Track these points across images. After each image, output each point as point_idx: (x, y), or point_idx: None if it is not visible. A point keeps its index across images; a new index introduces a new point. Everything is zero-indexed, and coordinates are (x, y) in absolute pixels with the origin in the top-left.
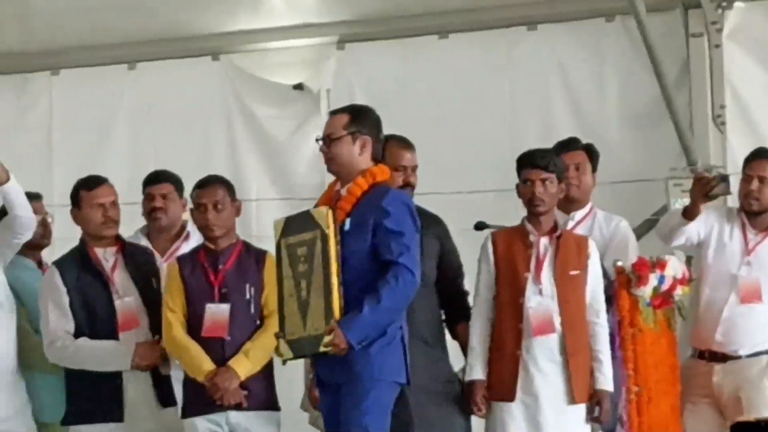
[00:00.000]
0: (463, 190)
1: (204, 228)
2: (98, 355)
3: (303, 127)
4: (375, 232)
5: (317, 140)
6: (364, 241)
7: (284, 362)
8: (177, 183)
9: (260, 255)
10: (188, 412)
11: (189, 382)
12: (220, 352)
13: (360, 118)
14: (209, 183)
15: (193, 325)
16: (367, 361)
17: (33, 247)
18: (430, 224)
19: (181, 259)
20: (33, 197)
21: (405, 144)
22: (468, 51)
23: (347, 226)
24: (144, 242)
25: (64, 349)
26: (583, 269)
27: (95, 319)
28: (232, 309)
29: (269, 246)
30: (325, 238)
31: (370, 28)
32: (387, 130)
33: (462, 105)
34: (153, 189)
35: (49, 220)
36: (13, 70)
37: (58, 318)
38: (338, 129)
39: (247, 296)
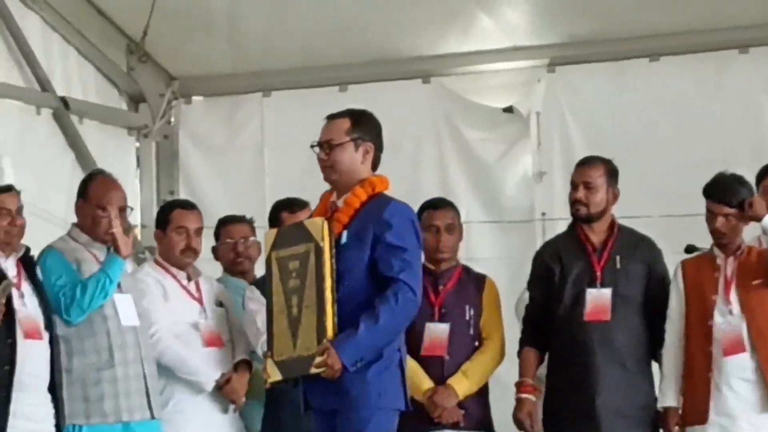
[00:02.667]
0: (675, 214)
1: (434, 250)
2: None
3: (512, 150)
4: (374, 246)
5: (312, 146)
6: (363, 256)
7: (270, 385)
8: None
9: (480, 278)
10: (404, 429)
11: None
12: (440, 370)
13: (362, 123)
14: (442, 206)
15: (413, 343)
16: (364, 387)
17: (243, 271)
18: (639, 247)
19: None
20: (242, 220)
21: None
22: (679, 74)
23: (344, 239)
24: None
25: None
26: (765, 278)
27: None
28: (452, 329)
29: (479, 267)
30: (319, 252)
31: (580, 51)
32: (598, 152)
33: (673, 127)
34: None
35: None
36: (226, 91)
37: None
38: (340, 134)
39: (467, 317)
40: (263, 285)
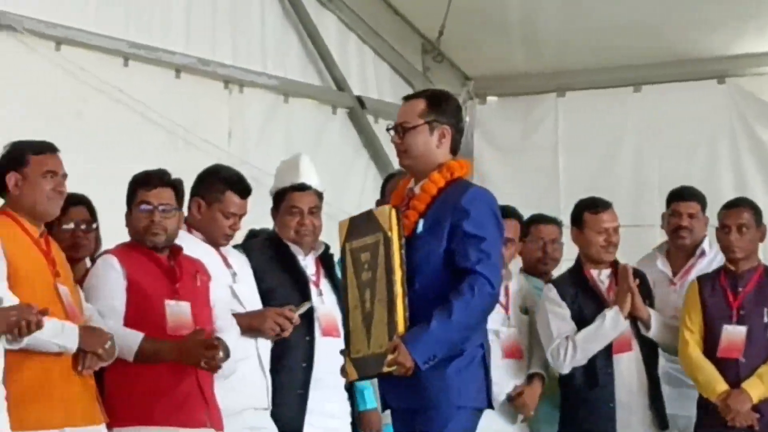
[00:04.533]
0: None
1: (726, 250)
2: None
3: None
4: (451, 236)
5: (388, 129)
6: (439, 246)
7: (349, 384)
8: (703, 201)
9: None
10: (698, 430)
11: (702, 401)
12: (735, 373)
13: (439, 105)
14: (736, 205)
15: (709, 345)
16: (444, 385)
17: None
18: None
19: (701, 279)
20: (552, 221)
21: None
22: None
23: (420, 229)
24: (660, 260)
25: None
26: None
27: None
28: (749, 331)
29: None
30: (387, 242)
31: None
32: None
33: None
34: (680, 206)
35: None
36: (520, 91)
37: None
38: (413, 117)
39: (765, 319)
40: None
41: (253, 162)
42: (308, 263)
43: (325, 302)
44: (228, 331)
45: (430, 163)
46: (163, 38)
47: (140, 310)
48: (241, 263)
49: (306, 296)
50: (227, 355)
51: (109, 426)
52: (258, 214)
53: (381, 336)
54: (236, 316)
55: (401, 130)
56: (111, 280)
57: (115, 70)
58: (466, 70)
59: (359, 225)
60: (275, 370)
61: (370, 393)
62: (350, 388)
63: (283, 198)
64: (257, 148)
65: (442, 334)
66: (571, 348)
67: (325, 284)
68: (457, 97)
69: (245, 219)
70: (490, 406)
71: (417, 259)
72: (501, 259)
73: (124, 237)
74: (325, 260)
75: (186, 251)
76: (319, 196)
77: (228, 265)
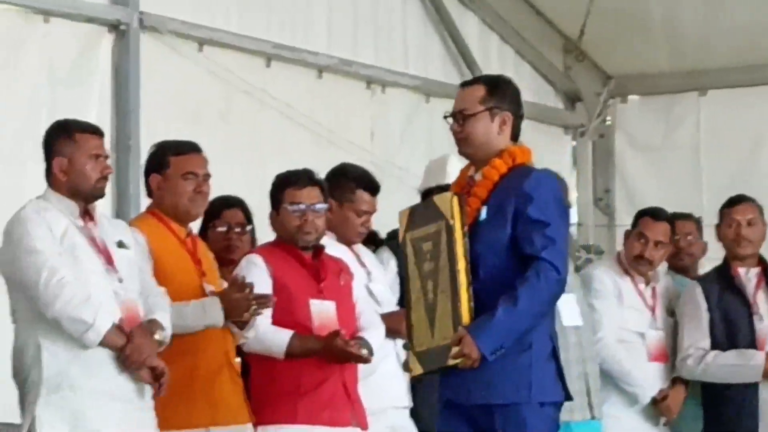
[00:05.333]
0: None
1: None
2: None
3: None
4: (515, 222)
5: (445, 117)
6: (503, 233)
7: (413, 380)
8: None
9: None
10: None
11: None
12: None
13: (499, 90)
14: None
15: None
16: (519, 381)
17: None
18: None
19: None
20: (689, 217)
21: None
22: None
23: (483, 216)
24: None
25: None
26: None
27: (735, 338)
28: None
29: None
30: (450, 230)
31: None
32: None
33: None
34: None
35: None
36: (661, 90)
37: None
38: (473, 104)
39: None
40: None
41: (396, 162)
42: None
43: None
44: (373, 330)
45: (491, 151)
46: (306, 39)
47: (286, 309)
48: (374, 262)
49: None
50: (371, 353)
51: (254, 424)
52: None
53: (445, 328)
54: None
55: (461, 118)
56: (256, 279)
57: (258, 71)
58: (608, 69)
59: (420, 214)
60: None
61: None
62: None
63: (430, 196)
64: (400, 147)
65: (509, 323)
66: (701, 367)
67: None
68: (598, 96)
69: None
70: (569, 397)
71: (481, 247)
72: (567, 244)
73: (268, 237)
74: None
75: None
76: None
77: (362, 264)
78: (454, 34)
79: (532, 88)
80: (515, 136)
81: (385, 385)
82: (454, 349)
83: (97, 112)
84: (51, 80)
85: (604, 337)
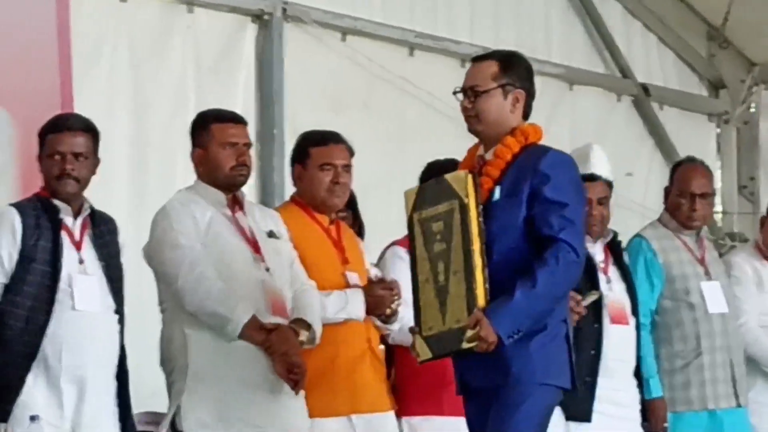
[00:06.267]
0: None
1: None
2: None
3: None
4: (531, 202)
5: (455, 93)
6: (518, 214)
7: (421, 363)
8: None
9: None
10: None
11: None
12: None
13: (512, 67)
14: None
15: None
16: (526, 361)
17: None
18: None
19: None
20: None
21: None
22: None
23: (496, 196)
24: None
25: None
26: None
27: None
28: None
29: None
30: (464, 209)
31: None
32: None
33: None
34: None
35: None
36: None
37: None
38: (486, 80)
39: None
40: None
41: None
42: (596, 250)
43: (613, 290)
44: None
45: (503, 129)
46: (448, 28)
47: None
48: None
49: (595, 283)
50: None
51: (398, 415)
52: None
53: (458, 310)
54: None
55: (472, 94)
56: (402, 274)
57: (401, 59)
58: (752, 57)
59: (430, 193)
60: None
61: (656, 382)
62: (637, 376)
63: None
64: (544, 135)
65: (527, 306)
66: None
67: (613, 271)
68: (742, 83)
69: None
70: (574, 387)
71: (494, 228)
72: (584, 225)
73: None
74: (613, 247)
75: None
76: (609, 185)
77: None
78: (597, 22)
79: (675, 76)
80: (526, 115)
81: None
82: (470, 332)
83: (243, 101)
84: (197, 70)
85: (747, 321)
